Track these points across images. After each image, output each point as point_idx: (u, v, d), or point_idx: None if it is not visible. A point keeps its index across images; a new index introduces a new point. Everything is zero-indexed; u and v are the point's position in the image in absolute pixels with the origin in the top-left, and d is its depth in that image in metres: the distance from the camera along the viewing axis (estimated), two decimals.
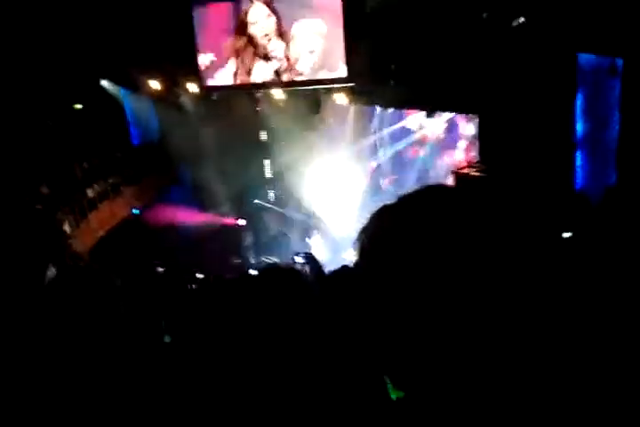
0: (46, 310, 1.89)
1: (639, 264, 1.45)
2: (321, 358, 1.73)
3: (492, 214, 0.99)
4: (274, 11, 12.06)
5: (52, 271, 1.87)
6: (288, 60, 12.31)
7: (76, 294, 1.87)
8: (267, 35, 12.24)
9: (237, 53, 12.63)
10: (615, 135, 8.61)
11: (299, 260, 9.94)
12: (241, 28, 12.32)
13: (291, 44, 12.18)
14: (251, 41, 12.43)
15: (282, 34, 12.19)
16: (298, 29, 12.06)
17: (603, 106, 8.77)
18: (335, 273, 3.98)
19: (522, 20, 9.05)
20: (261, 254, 16.00)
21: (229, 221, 16.84)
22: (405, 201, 1.02)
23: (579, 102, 8.91)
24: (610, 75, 8.52)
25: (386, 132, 16.59)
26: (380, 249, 0.97)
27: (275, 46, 12.30)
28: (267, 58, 12.46)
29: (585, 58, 8.79)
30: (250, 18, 12.19)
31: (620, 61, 8.38)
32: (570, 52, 8.80)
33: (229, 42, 12.55)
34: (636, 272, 1.44)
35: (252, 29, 12.28)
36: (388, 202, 1.04)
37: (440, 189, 1.04)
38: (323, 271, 7.22)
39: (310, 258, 9.17)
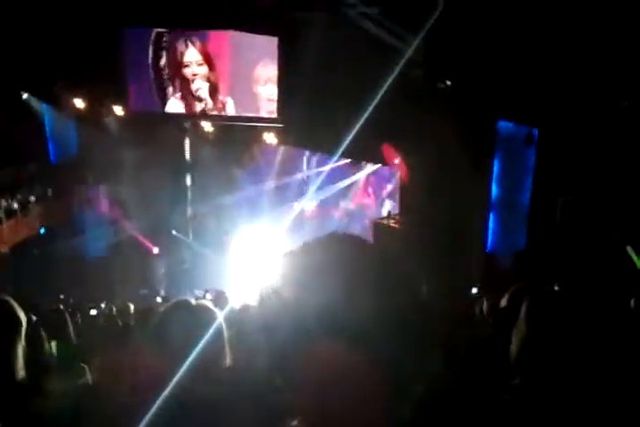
0: None
1: (543, 323, 1.42)
2: None
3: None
4: (207, 60, 12.18)
5: None
6: (214, 101, 12.45)
7: None
8: (195, 75, 12.40)
9: (168, 84, 12.59)
10: (527, 201, 8.97)
11: (208, 296, 9.69)
12: (175, 64, 12.38)
13: (220, 88, 12.33)
14: (182, 77, 12.50)
15: (210, 78, 12.34)
16: (231, 74, 12.27)
17: (517, 172, 9.15)
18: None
19: (448, 82, 9.38)
20: (172, 287, 15.44)
21: (145, 242, 16.12)
22: (309, 247, 1.15)
23: (495, 167, 9.27)
24: (526, 143, 8.92)
25: (312, 174, 16.69)
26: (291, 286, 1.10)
27: (200, 86, 12.44)
28: (193, 95, 12.54)
29: (504, 126, 9.20)
30: (185, 60, 12.32)
31: (535, 131, 8.81)
32: (490, 118, 9.19)
33: (164, 72, 12.49)
34: (540, 330, 1.40)
35: (184, 70, 12.41)
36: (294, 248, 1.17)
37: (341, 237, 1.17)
38: (231, 307, 7.02)
39: (220, 294, 8.98)
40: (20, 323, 1.73)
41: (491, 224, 9.33)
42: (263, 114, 12.23)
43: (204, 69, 12.31)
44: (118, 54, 12.29)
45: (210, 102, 12.52)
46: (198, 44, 12.13)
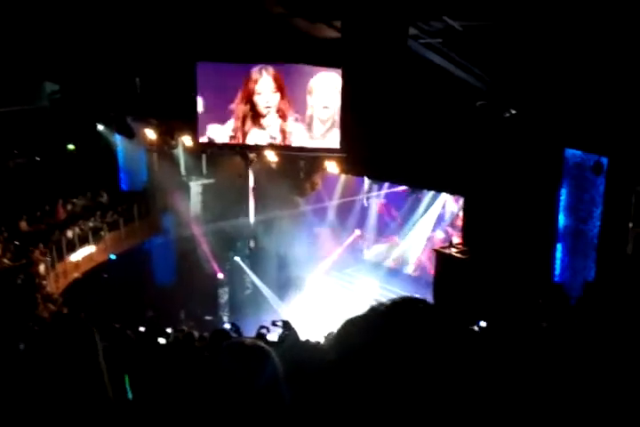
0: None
1: (615, 356, 1.47)
2: None
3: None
4: (280, 88, 12.55)
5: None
6: (282, 133, 12.77)
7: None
8: (267, 107, 12.74)
9: (238, 116, 12.98)
10: (596, 230, 8.77)
11: (277, 328, 9.70)
12: (247, 94, 12.76)
13: (288, 120, 12.66)
14: (253, 108, 12.85)
15: (280, 110, 12.68)
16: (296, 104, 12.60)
17: (586, 201, 8.97)
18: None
19: (513, 111, 9.36)
20: (236, 313, 15.69)
21: (212, 267, 16.42)
22: (375, 316, 1.06)
23: (563, 196, 9.12)
24: (595, 172, 8.75)
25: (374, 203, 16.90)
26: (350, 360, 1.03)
27: (271, 121, 12.78)
28: (262, 128, 12.89)
29: (571, 153, 9.07)
30: (257, 88, 12.69)
31: (605, 160, 8.65)
32: (557, 146, 9.09)
33: (233, 104, 12.91)
34: (610, 363, 1.45)
35: (256, 98, 12.76)
36: (357, 315, 1.08)
37: (410, 305, 1.07)
38: (299, 342, 7.09)
39: (287, 326, 9.03)
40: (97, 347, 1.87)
41: (559, 254, 9.15)
42: (325, 142, 12.49)
43: (277, 98, 12.67)
44: (191, 88, 12.78)
45: (277, 133, 12.86)
46: (272, 71, 12.55)
